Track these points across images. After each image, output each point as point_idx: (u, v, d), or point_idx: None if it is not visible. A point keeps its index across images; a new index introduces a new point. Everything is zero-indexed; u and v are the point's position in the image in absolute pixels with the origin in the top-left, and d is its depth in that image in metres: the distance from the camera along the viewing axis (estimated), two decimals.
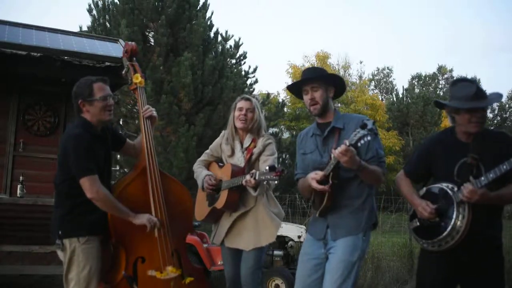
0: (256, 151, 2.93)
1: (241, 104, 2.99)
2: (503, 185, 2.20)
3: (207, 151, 3.20)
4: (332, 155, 2.22)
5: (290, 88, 2.64)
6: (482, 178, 2.12)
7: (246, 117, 2.95)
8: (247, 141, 2.99)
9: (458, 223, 2.15)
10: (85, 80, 2.56)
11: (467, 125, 2.27)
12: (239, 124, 2.97)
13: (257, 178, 2.52)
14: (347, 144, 2.10)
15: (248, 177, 2.59)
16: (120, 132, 2.97)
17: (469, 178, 2.16)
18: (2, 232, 4.33)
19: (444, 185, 2.27)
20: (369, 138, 2.06)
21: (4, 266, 4.31)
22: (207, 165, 3.18)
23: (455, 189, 2.21)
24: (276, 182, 2.47)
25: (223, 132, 3.15)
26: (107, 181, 2.58)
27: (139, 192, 2.62)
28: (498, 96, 2.36)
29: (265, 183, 2.49)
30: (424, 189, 2.42)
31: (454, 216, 2.16)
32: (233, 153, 3.01)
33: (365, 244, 2.39)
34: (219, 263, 5.01)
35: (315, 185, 2.30)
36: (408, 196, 2.46)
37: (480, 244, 2.20)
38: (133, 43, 2.93)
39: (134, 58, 2.91)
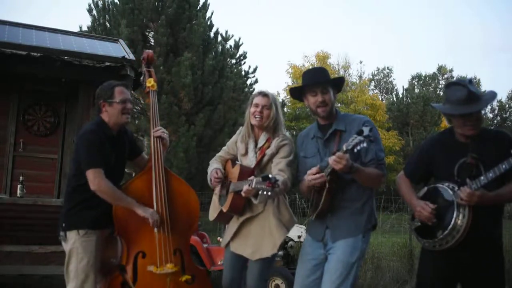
0: (268, 152, 2.77)
1: (257, 100, 2.83)
2: (502, 184, 2.19)
3: (224, 147, 3.08)
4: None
5: (297, 89, 2.57)
6: (482, 178, 2.11)
7: (262, 114, 2.79)
8: (261, 140, 2.84)
9: (459, 222, 2.15)
10: (108, 83, 2.74)
11: (463, 128, 2.27)
12: (254, 121, 2.82)
13: (253, 186, 2.42)
14: (344, 149, 2.10)
15: (246, 186, 2.50)
16: (138, 144, 3.08)
17: (466, 181, 2.15)
18: (2, 232, 4.32)
19: (444, 185, 2.26)
20: (364, 145, 2.05)
21: (4, 266, 4.31)
22: (224, 162, 3.06)
23: (456, 188, 2.21)
24: (269, 193, 2.35)
25: (240, 128, 3.02)
26: (115, 183, 2.64)
27: (143, 189, 2.68)
28: (492, 96, 2.32)
29: (264, 193, 2.37)
30: (425, 188, 2.42)
31: (455, 215, 2.15)
32: (246, 152, 2.88)
33: (365, 245, 2.39)
34: (219, 263, 5.01)
35: (311, 177, 2.28)
36: (406, 197, 2.46)
37: (482, 244, 2.19)
38: (150, 51, 3.09)
39: (151, 65, 3.07)
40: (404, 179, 2.52)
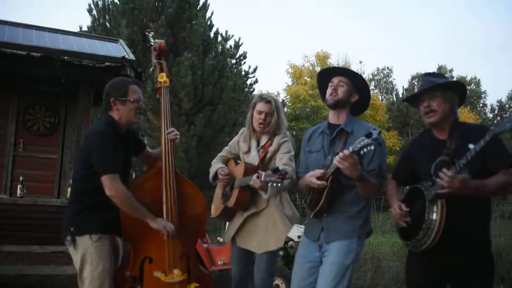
0: (271, 149, 2.85)
1: (260, 106, 2.89)
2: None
3: (226, 147, 3.16)
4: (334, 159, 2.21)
5: (321, 73, 2.62)
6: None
7: (265, 121, 2.87)
8: (263, 140, 2.93)
9: (431, 221, 2.09)
10: (121, 79, 2.61)
11: (424, 117, 2.29)
12: (258, 128, 2.91)
13: (262, 179, 2.44)
14: (350, 150, 2.09)
15: (254, 177, 2.54)
16: (141, 138, 2.96)
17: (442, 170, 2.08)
18: (2, 232, 4.32)
19: (420, 185, 2.23)
20: (372, 147, 2.05)
21: (4, 266, 4.30)
22: (226, 161, 3.13)
23: (429, 186, 2.15)
24: (279, 184, 2.40)
25: (242, 129, 3.12)
26: (123, 181, 2.55)
27: (153, 193, 2.59)
28: (446, 80, 2.31)
29: (273, 185, 2.41)
30: (407, 190, 2.40)
31: (426, 214, 2.11)
32: (249, 150, 2.97)
33: (360, 249, 2.38)
34: (219, 263, 5.01)
35: (314, 180, 2.29)
36: (388, 198, 2.44)
37: (462, 244, 2.14)
38: (162, 40, 2.88)
39: (163, 57, 2.90)
40: (390, 181, 2.50)
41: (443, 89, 2.25)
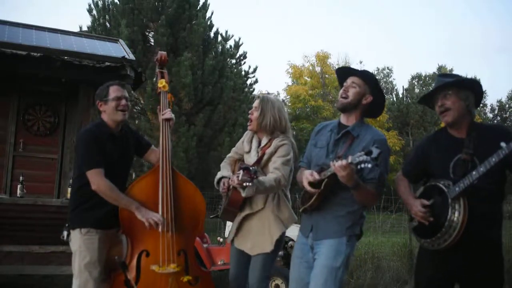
0: (268, 151, 2.83)
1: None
2: (503, 177, 2.18)
3: (234, 148, 3.17)
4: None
5: (339, 70, 2.59)
6: (474, 173, 2.07)
7: (252, 116, 2.90)
8: (264, 141, 2.92)
9: (454, 219, 2.11)
10: (106, 83, 2.80)
11: (440, 117, 2.28)
12: (248, 126, 2.95)
13: (240, 178, 2.45)
14: (349, 161, 2.08)
15: (233, 177, 2.57)
16: (145, 138, 3.10)
17: (461, 177, 2.12)
18: (2, 232, 4.31)
19: (439, 183, 2.23)
20: (369, 165, 2.02)
21: (4, 266, 4.30)
22: (233, 162, 3.12)
23: (450, 185, 2.17)
24: (249, 184, 2.42)
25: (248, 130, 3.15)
26: (120, 182, 2.66)
27: (149, 188, 2.69)
28: (455, 79, 2.29)
29: (247, 184, 2.42)
30: (422, 188, 2.39)
31: (449, 212, 2.13)
32: (250, 151, 2.97)
33: (349, 250, 2.37)
34: (219, 263, 5.01)
35: (306, 185, 2.32)
36: (403, 197, 2.44)
37: (477, 245, 2.16)
38: (163, 52, 3.15)
39: (164, 66, 3.14)
40: (401, 179, 2.50)
41: (456, 87, 2.25)
